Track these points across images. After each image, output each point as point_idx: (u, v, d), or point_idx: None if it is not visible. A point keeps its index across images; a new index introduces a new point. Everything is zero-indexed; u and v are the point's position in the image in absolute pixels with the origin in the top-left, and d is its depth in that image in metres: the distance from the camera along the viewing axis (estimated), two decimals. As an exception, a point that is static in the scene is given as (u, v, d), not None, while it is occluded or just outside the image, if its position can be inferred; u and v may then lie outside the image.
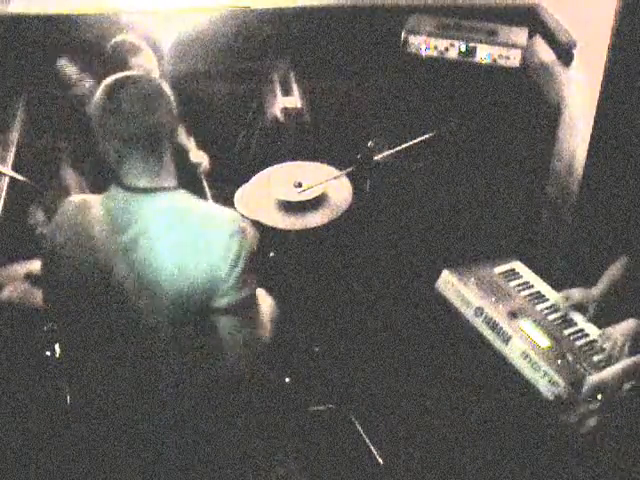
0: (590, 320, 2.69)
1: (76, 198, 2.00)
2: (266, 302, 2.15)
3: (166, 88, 1.90)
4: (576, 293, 2.75)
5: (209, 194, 3.30)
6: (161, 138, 1.85)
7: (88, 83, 2.78)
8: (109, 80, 1.88)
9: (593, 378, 2.31)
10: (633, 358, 2.39)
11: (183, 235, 1.84)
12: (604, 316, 2.66)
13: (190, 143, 3.46)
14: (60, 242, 1.92)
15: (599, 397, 2.26)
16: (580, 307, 2.73)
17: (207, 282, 1.84)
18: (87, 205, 1.92)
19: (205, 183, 3.35)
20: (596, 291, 2.73)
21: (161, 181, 1.88)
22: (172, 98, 1.90)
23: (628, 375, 2.31)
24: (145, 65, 2.97)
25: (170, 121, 1.86)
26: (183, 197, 1.92)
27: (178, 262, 1.82)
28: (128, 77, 1.88)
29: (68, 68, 2.79)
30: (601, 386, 2.28)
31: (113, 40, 3.05)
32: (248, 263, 1.88)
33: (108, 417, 2.05)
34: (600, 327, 2.65)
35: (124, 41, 3.04)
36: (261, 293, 2.14)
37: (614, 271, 2.73)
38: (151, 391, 1.96)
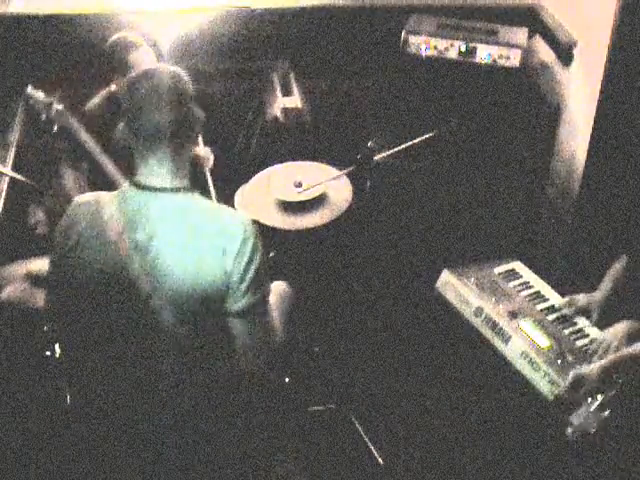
0: (595, 323, 2.68)
1: (85, 197, 1.96)
2: (277, 293, 2.16)
3: (185, 85, 1.88)
4: (580, 298, 2.74)
5: (214, 193, 3.28)
6: (176, 136, 1.84)
7: (57, 107, 2.81)
8: (131, 75, 1.89)
9: (575, 371, 2.32)
10: (618, 353, 2.38)
11: (196, 237, 1.83)
12: (606, 318, 2.66)
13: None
14: (72, 242, 1.89)
15: (598, 397, 2.27)
16: (584, 311, 2.72)
17: (220, 285, 1.84)
18: (100, 204, 1.90)
19: (210, 181, 3.33)
20: (599, 294, 2.72)
21: (175, 181, 1.88)
22: (191, 94, 1.88)
23: (613, 369, 2.30)
24: (144, 61, 2.95)
25: (185, 118, 1.85)
26: (197, 199, 1.91)
27: (191, 264, 1.82)
28: (145, 74, 1.87)
29: (36, 94, 2.82)
30: (583, 378, 2.28)
31: (111, 38, 3.05)
32: (261, 267, 1.88)
33: (108, 417, 2.05)
34: (602, 329, 2.64)
35: (121, 38, 3.02)
36: (275, 285, 2.17)
37: (615, 272, 2.73)
38: (151, 391, 1.96)
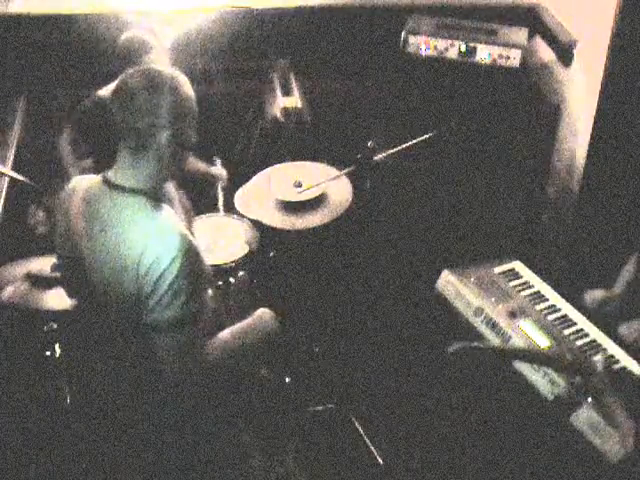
0: (618, 318, 2.65)
1: (75, 179, 2.02)
2: (254, 321, 2.10)
3: (178, 92, 1.85)
4: (598, 292, 2.70)
5: (222, 207, 3.27)
6: (138, 137, 1.82)
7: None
8: (126, 72, 1.87)
9: None
10: None
11: (125, 244, 1.81)
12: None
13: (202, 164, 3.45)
14: (56, 224, 1.98)
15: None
16: (603, 307, 2.68)
17: (135, 293, 1.82)
18: (75, 188, 1.96)
19: (221, 199, 3.30)
20: (617, 290, 2.69)
21: (137, 183, 1.86)
22: (182, 100, 1.85)
23: None
24: (158, 62, 2.89)
25: (167, 124, 1.82)
26: (148, 206, 1.86)
27: (114, 266, 1.82)
28: (141, 70, 1.86)
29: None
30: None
31: (123, 36, 2.99)
32: (183, 284, 1.80)
33: (108, 417, 2.05)
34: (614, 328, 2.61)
35: (134, 38, 2.97)
36: (263, 313, 2.12)
37: (628, 269, 2.70)
38: (151, 391, 1.96)
